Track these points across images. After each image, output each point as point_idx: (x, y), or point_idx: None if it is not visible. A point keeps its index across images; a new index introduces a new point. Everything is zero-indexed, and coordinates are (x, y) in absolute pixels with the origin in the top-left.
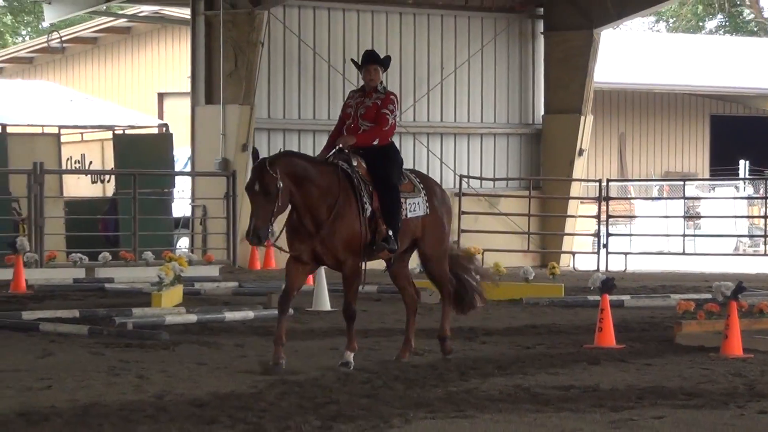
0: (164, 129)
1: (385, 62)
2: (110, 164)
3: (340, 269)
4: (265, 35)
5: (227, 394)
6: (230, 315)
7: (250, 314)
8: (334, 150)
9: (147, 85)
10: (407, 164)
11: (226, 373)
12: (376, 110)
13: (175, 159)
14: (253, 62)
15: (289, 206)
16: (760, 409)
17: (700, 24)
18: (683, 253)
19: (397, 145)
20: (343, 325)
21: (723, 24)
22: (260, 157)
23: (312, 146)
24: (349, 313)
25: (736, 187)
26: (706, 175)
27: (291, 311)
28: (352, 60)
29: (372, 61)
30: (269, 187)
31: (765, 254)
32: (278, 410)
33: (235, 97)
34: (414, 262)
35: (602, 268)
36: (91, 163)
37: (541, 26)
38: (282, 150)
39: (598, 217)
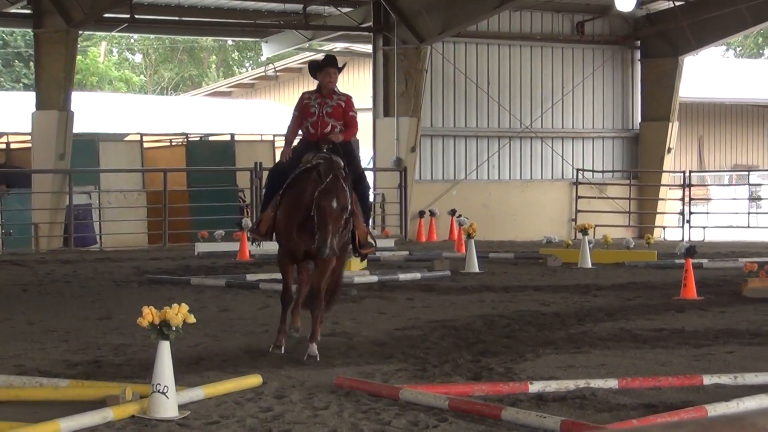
0: None
1: (341, 68)
2: None
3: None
4: (429, 64)
5: (401, 336)
6: (403, 276)
7: (417, 275)
8: (317, 149)
9: None
10: (537, 161)
11: (400, 320)
12: (341, 111)
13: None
14: (419, 84)
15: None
16: None
17: (761, 51)
18: (748, 227)
19: (528, 147)
20: (484, 281)
21: None
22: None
23: (464, 148)
24: (319, 301)
25: None
26: (766, 167)
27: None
28: (312, 61)
29: (332, 65)
30: (345, 204)
31: None
32: (439, 348)
33: (406, 111)
34: (535, 232)
35: (686, 238)
36: None
37: (638, 54)
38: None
39: (682, 199)
